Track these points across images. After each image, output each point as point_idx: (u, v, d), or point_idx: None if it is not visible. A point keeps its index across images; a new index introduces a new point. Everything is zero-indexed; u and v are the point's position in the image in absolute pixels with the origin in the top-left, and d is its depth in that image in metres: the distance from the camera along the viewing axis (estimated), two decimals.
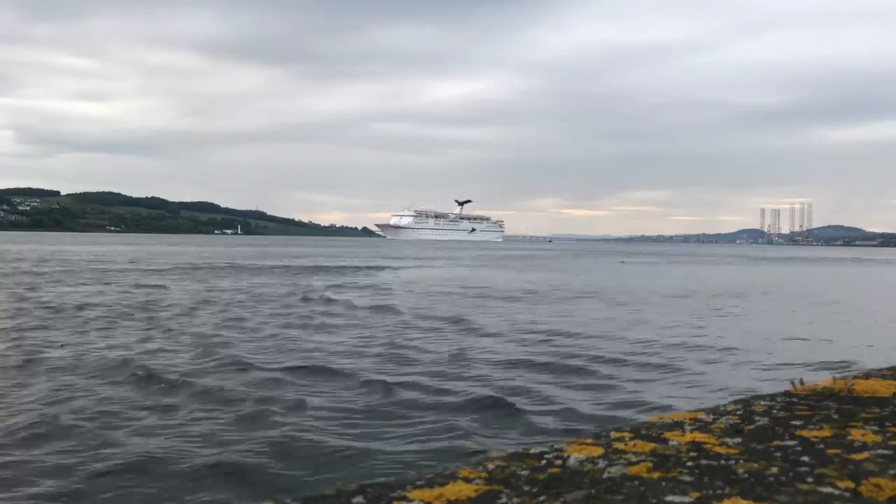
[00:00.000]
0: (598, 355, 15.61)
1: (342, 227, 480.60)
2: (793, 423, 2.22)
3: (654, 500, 1.56)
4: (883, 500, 1.57)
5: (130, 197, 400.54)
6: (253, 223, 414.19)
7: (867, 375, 2.98)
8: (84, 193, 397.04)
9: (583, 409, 10.91)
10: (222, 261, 62.80)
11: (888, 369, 3.17)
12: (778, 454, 1.89)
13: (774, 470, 1.76)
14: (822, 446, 1.95)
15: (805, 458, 1.84)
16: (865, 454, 1.86)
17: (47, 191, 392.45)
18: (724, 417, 2.32)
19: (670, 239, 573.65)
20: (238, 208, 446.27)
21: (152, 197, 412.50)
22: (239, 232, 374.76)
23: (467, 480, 1.71)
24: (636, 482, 1.68)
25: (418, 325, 20.63)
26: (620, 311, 26.08)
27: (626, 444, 2.00)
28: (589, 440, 2.06)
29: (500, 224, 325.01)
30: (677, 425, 2.23)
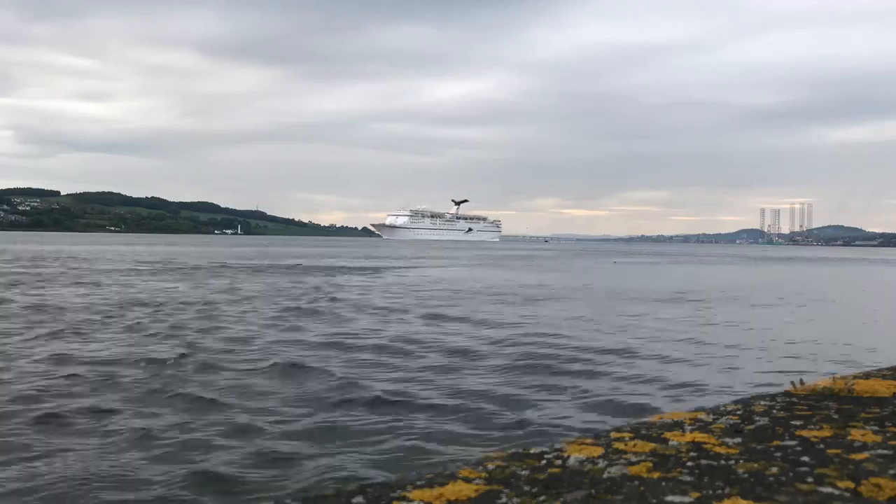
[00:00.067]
0: (591, 354, 15.63)
1: (342, 227, 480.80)
2: (793, 423, 2.22)
3: (654, 500, 1.56)
4: (883, 500, 1.57)
5: (130, 197, 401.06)
6: (253, 223, 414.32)
7: (867, 375, 2.98)
8: (84, 193, 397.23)
9: (583, 408, 10.92)
10: (234, 261, 62.84)
11: (888, 369, 3.17)
12: (778, 454, 1.89)
13: (774, 470, 1.76)
14: (822, 446, 1.95)
15: (805, 458, 1.84)
16: (865, 454, 1.86)
17: (47, 191, 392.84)
18: (724, 417, 2.32)
19: (670, 239, 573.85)
20: (238, 208, 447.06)
21: (152, 197, 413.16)
22: (239, 232, 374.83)
23: (467, 480, 1.71)
24: (636, 482, 1.68)
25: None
26: (614, 311, 26.06)
27: (626, 444, 2.00)
28: (589, 440, 2.06)
29: (496, 224, 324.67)
30: (677, 425, 2.23)
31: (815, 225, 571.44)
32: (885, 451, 1.89)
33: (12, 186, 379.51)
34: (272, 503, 5.72)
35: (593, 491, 1.63)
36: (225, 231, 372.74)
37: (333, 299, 28.23)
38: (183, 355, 14.71)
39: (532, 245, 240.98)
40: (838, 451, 1.90)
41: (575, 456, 1.89)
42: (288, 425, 9.73)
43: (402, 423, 9.81)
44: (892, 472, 1.72)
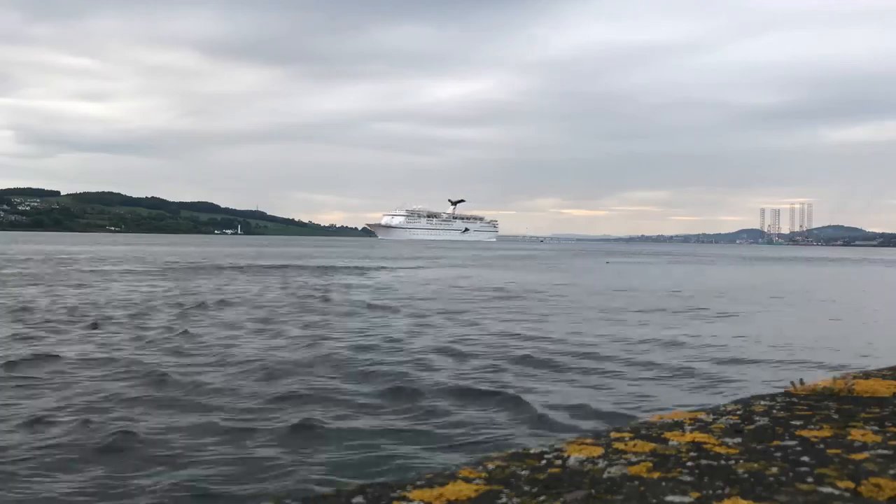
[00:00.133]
0: (588, 353, 15.63)
1: (342, 227, 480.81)
2: (793, 423, 2.22)
3: (654, 500, 1.56)
4: (883, 500, 1.57)
5: (130, 197, 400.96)
6: (253, 223, 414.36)
7: (867, 375, 2.98)
8: (84, 193, 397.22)
9: (582, 408, 10.91)
10: (229, 260, 62.86)
11: (888, 369, 3.17)
12: (778, 454, 1.89)
13: (774, 470, 1.76)
14: (822, 446, 1.95)
15: (805, 458, 1.84)
16: (865, 454, 1.86)
17: (47, 191, 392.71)
18: (724, 417, 2.32)
19: (670, 239, 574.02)
20: (238, 208, 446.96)
21: (152, 197, 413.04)
22: (239, 232, 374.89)
23: (467, 480, 1.71)
24: (636, 482, 1.68)
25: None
26: (611, 312, 26.06)
27: (626, 444, 2.00)
28: (589, 440, 2.06)
29: (493, 224, 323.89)
30: (677, 425, 2.23)
31: (815, 225, 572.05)
32: (885, 451, 1.89)
33: (12, 186, 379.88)
34: (272, 503, 5.73)
35: (593, 491, 1.63)
36: (225, 231, 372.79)
37: (326, 299, 28.27)
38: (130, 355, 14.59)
39: (528, 245, 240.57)
40: (838, 451, 1.90)
41: (575, 456, 1.89)
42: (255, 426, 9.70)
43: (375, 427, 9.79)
44: (892, 472, 1.72)
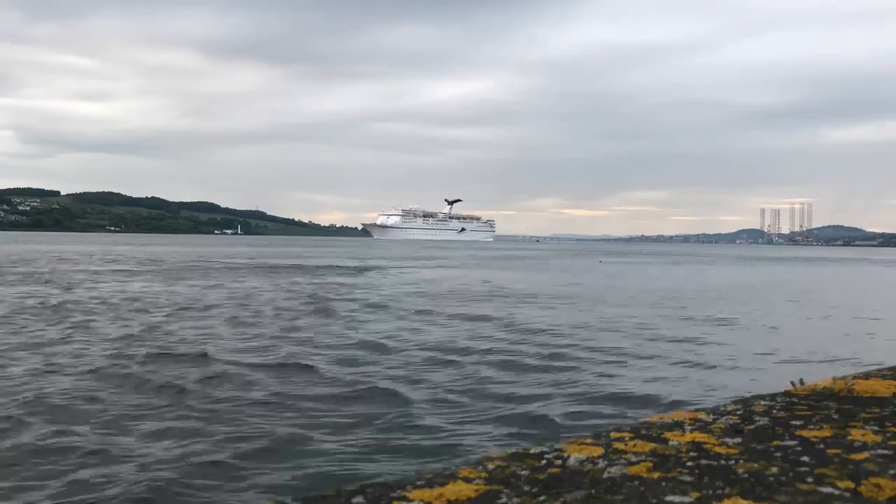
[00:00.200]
0: (591, 353, 15.62)
1: (342, 227, 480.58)
2: (793, 423, 2.22)
3: (654, 500, 1.56)
4: (883, 500, 1.57)
5: (130, 197, 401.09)
6: (253, 223, 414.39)
7: (867, 375, 2.98)
8: (84, 193, 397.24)
9: (583, 407, 10.91)
10: (226, 260, 62.85)
11: (888, 369, 3.17)
12: (778, 454, 1.89)
13: (774, 470, 1.76)
14: (822, 446, 1.95)
15: (805, 458, 1.84)
16: (865, 454, 1.86)
17: (47, 191, 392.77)
18: (724, 417, 2.32)
19: (670, 239, 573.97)
20: (238, 208, 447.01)
21: (152, 197, 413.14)
22: (239, 232, 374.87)
23: (467, 480, 1.71)
24: (636, 482, 1.68)
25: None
26: (608, 313, 26.06)
27: (626, 444, 2.00)
28: (589, 440, 2.06)
29: (490, 224, 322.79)
30: (677, 425, 2.23)
31: (815, 225, 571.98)
32: (885, 451, 1.89)
33: (12, 186, 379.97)
34: (272, 503, 5.72)
35: (593, 491, 1.63)
36: (225, 231, 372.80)
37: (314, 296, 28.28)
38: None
39: (525, 245, 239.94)
40: (838, 451, 1.90)
41: (575, 456, 1.89)
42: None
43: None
44: (892, 472, 1.72)
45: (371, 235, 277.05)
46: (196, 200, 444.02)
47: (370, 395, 11.44)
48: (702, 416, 2.35)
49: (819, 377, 3.02)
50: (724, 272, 64.03)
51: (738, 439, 2.04)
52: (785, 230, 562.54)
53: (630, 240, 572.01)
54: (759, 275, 60.60)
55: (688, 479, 1.70)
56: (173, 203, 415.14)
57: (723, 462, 1.83)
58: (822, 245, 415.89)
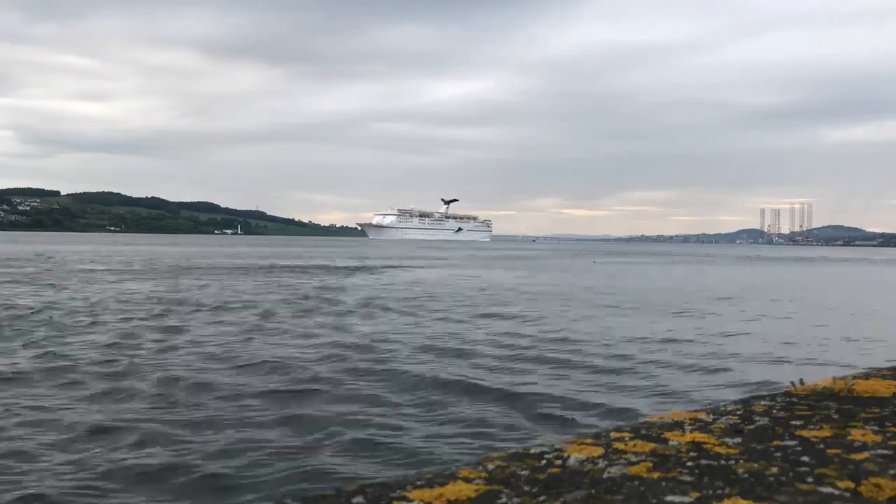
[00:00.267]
0: (587, 357, 15.62)
1: (342, 227, 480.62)
2: (793, 423, 2.23)
3: (654, 500, 1.56)
4: (883, 500, 1.57)
5: (130, 197, 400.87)
6: (253, 223, 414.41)
7: (867, 375, 2.98)
8: (84, 193, 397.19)
9: (585, 407, 10.91)
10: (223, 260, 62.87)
11: (888, 369, 3.17)
12: (778, 454, 1.89)
13: (774, 470, 1.76)
14: (822, 446, 1.95)
15: (805, 458, 1.85)
16: (865, 454, 1.87)
17: (47, 191, 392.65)
18: (724, 417, 2.33)
19: (670, 239, 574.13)
20: (238, 208, 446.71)
21: (152, 197, 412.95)
22: (239, 232, 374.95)
23: (467, 480, 1.71)
24: (636, 482, 1.68)
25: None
26: (606, 312, 26.06)
27: (626, 444, 2.00)
28: (589, 440, 2.06)
29: (487, 223, 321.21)
30: (677, 425, 2.23)
31: (815, 225, 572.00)
32: (885, 451, 1.89)
33: (12, 186, 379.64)
34: (272, 503, 5.73)
35: (593, 491, 1.63)
36: (225, 231, 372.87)
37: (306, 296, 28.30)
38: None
39: (522, 245, 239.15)
40: (838, 451, 1.90)
41: (575, 456, 1.89)
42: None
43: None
44: (892, 472, 1.72)
45: (366, 235, 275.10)
46: (196, 200, 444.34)
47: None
48: (702, 416, 2.35)
49: (819, 377, 3.02)
50: (723, 272, 64.02)
51: (738, 439, 2.05)
52: (785, 230, 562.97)
53: (630, 240, 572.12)
54: (759, 275, 60.59)
55: (688, 479, 1.71)
56: (173, 203, 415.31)
57: (723, 462, 1.83)
58: (822, 245, 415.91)
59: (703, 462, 1.83)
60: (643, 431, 2.15)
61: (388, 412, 10.45)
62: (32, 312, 21.61)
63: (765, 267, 79.16)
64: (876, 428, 2.13)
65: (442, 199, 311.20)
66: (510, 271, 56.67)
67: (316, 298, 28.39)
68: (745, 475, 1.72)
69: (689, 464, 1.82)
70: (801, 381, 2.81)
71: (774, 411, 2.39)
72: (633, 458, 1.87)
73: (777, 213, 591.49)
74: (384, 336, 18.13)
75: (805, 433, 2.09)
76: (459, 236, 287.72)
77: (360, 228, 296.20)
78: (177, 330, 18.68)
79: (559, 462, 1.85)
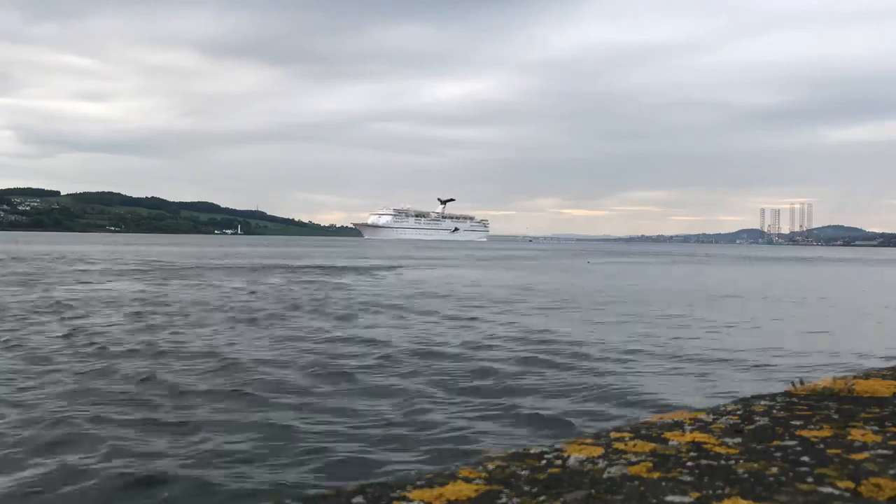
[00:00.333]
0: (587, 354, 15.63)
1: (342, 227, 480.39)
2: (793, 423, 2.23)
3: (654, 500, 1.56)
4: (883, 500, 1.57)
5: (130, 197, 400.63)
6: (253, 223, 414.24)
7: (867, 375, 2.98)
8: (84, 193, 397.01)
9: (587, 406, 10.91)
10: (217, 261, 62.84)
11: (888, 369, 3.17)
12: (778, 454, 1.89)
13: (774, 470, 1.76)
14: (822, 446, 1.95)
15: (805, 458, 1.84)
16: (865, 454, 1.87)
17: (47, 191, 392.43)
18: (724, 417, 2.32)
19: (670, 239, 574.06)
20: (238, 208, 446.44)
21: (152, 197, 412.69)
22: (239, 232, 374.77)
23: (467, 480, 1.71)
24: (636, 482, 1.68)
25: None
26: (600, 311, 26.06)
27: (626, 444, 2.00)
28: (589, 440, 2.06)
29: (484, 223, 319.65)
30: (677, 425, 2.23)
31: (815, 225, 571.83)
32: (885, 451, 1.89)
33: (12, 186, 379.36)
34: (272, 503, 5.73)
35: (593, 491, 1.63)
36: (225, 231, 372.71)
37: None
38: None
39: (519, 245, 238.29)
40: (838, 451, 1.90)
41: (575, 456, 1.89)
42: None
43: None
44: (892, 472, 1.72)
45: (362, 235, 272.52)
46: (196, 200, 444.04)
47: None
48: (702, 416, 2.35)
49: (819, 377, 3.02)
50: (723, 272, 64.01)
51: (738, 439, 2.04)
52: (785, 230, 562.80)
53: (630, 240, 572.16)
54: (759, 275, 60.58)
55: (688, 479, 1.71)
56: (173, 203, 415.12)
57: (723, 462, 1.83)
58: (822, 245, 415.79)
59: (703, 462, 1.83)
60: (643, 431, 2.15)
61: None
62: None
63: (765, 267, 79.15)
64: (876, 428, 2.13)
65: (438, 199, 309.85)
66: (494, 272, 56.60)
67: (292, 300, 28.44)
68: (745, 475, 1.72)
69: (689, 464, 1.82)
70: (801, 381, 2.82)
71: (774, 411, 2.39)
72: (633, 458, 1.87)
73: (777, 213, 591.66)
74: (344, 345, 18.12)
75: (805, 433, 2.09)
76: (456, 236, 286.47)
77: (355, 228, 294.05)
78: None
79: (559, 462, 1.85)
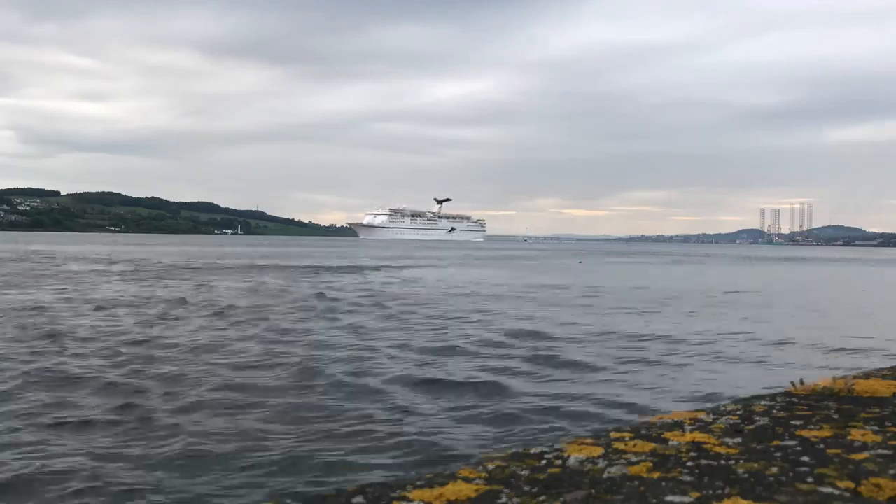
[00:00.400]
0: (588, 354, 15.63)
1: (342, 227, 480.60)
2: (793, 423, 2.23)
3: (654, 500, 1.56)
4: (883, 500, 1.57)
5: (130, 197, 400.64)
6: (253, 223, 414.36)
7: (867, 375, 2.98)
8: (84, 193, 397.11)
9: (588, 406, 10.91)
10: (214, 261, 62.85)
11: (888, 369, 3.17)
12: (778, 454, 1.89)
13: (774, 470, 1.76)
14: (822, 446, 1.95)
15: (805, 458, 1.85)
16: (865, 454, 1.87)
17: (47, 191, 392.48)
18: (724, 417, 2.33)
19: (670, 239, 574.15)
20: (238, 208, 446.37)
21: (152, 197, 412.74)
22: (239, 232, 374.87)
23: (467, 480, 1.71)
24: (636, 482, 1.68)
25: None
26: (599, 311, 26.07)
27: (626, 444, 2.00)
28: (589, 440, 2.06)
29: (481, 223, 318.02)
30: (677, 425, 2.23)
31: (815, 225, 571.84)
32: (885, 451, 1.89)
33: (12, 186, 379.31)
34: (272, 503, 5.73)
35: (593, 491, 1.63)
36: (225, 231, 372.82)
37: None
38: None
39: (516, 245, 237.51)
40: (838, 451, 1.90)
41: (575, 456, 1.89)
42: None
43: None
44: (892, 472, 1.72)
45: (357, 235, 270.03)
46: (196, 200, 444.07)
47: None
48: (702, 416, 2.35)
49: (819, 377, 3.02)
50: (723, 272, 64.03)
51: (738, 439, 2.05)
52: (785, 230, 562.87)
53: (630, 240, 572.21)
54: (759, 275, 60.59)
55: (688, 479, 1.71)
56: (173, 203, 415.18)
57: (723, 462, 1.83)
58: (822, 245, 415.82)
59: (703, 462, 1.83)
60: (643, 431, 2.15)
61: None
62: None
63: (765, 267, 79.15)
64: (876, 428, 2.13)
65: (435, 199, 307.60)
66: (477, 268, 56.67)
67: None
68: (745, 475, 1.72)
69: (689, 464, 1.82)
70: (801, 381, 2.82)
71: (774, 411, 2.39)
72: (633, 458, 1.87)
73: (777, 213, 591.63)
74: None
75: (805, 433, 2.09)
76: (452, 236, 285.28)
77: (351, 228, 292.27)
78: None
79: (559, 462, 1.85)
